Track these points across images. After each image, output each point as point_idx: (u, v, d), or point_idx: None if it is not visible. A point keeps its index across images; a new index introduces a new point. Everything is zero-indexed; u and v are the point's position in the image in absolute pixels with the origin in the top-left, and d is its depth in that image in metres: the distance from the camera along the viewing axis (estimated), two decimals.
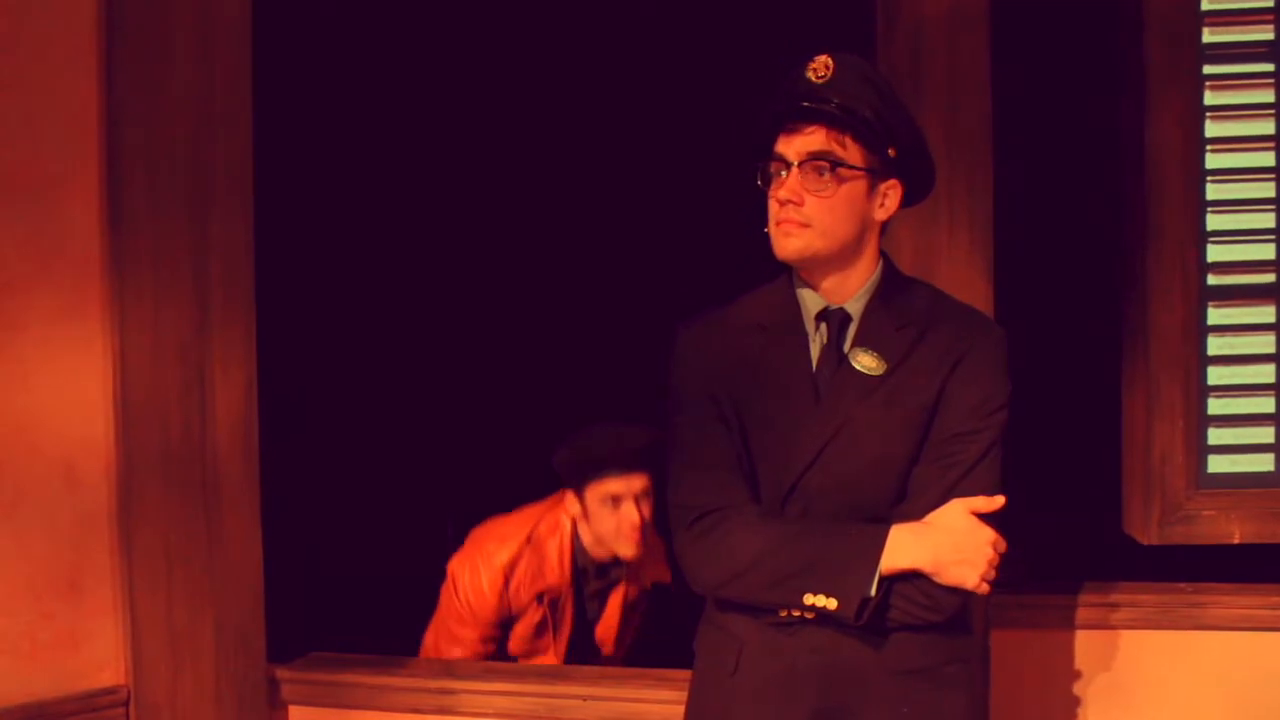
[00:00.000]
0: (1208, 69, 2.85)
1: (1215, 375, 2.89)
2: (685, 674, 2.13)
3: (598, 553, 2.89)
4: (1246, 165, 2.87)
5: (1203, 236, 2.87)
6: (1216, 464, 2.89)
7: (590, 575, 2.93)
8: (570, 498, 2.85)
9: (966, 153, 2.59)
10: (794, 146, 1.89)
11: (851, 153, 1.88)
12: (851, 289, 1.95)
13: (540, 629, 2.91)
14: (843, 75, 1.86)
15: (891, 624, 1.87)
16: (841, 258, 1.92)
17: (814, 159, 1.87)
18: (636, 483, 2.79)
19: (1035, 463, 2.79)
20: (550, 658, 2.93)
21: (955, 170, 2.58)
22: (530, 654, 2.94)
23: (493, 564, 2.85)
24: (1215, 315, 2.88)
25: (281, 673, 2.66)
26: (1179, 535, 2.87)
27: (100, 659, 2.42)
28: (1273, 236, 2.86)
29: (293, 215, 3.01)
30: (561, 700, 2.58)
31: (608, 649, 3.02)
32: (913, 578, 1.85)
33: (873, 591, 1.82)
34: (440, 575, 2.98)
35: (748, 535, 1.88)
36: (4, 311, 2.28)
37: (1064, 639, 2.81)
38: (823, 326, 1.96)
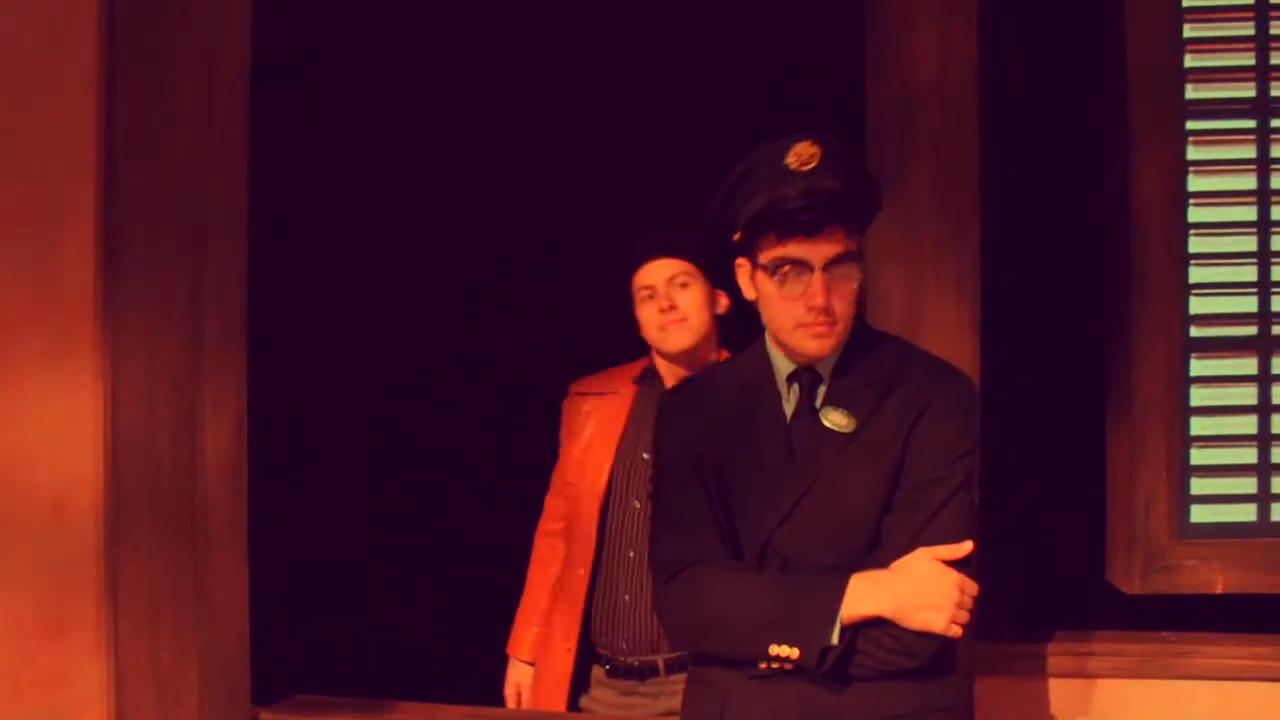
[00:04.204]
0: (1190, 124, 2.90)
1: (1198, 426, 2.92)
2: None
3: (663, 349, 2.63)
4: (1229, 219, 2.92)
5: (1186, 289, 2.91)
6: (1200, 514, 2.92)
7: (660, 380, 2.66)
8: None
9: (953, 206, 2.62)
10: (818, 251, 1.85)
11: (855, 240, 1.90)
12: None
13: (589, 444, 2.69)
14: (832, 161, 1.84)
15: (864, 670, 1.86)
16: None
17: (839, 261, 1.87)
18: (664, 269, 2.58)
19: (1020, 512, 2.82)
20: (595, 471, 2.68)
21: (942, 223, 2.61)
22: (578, 485, 2.71)
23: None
24: (1198, 366, 2.92)
25: (266, 715, 2.63)
26: (1162, 585, 2.89)
27: (84, 700, 2.39)
28: (1255, 289, 2.91)
29: (287, 255, 3.02)
30: None
31: None
32: (881, 624, 1.84)
33: (834, 640, 1.83)
34: (437, 620, 2.94)
35: (717, 588, 1.90)
36: None
37: (1046, 687, 2.81)
38: (794, 387, 1.97)
